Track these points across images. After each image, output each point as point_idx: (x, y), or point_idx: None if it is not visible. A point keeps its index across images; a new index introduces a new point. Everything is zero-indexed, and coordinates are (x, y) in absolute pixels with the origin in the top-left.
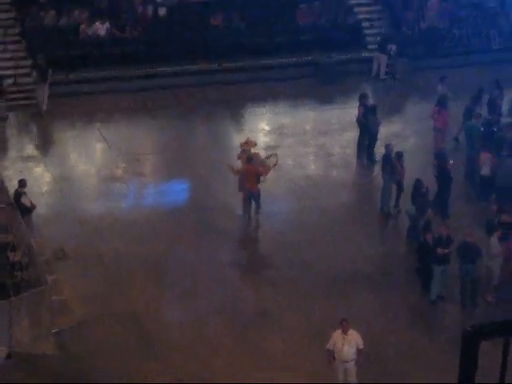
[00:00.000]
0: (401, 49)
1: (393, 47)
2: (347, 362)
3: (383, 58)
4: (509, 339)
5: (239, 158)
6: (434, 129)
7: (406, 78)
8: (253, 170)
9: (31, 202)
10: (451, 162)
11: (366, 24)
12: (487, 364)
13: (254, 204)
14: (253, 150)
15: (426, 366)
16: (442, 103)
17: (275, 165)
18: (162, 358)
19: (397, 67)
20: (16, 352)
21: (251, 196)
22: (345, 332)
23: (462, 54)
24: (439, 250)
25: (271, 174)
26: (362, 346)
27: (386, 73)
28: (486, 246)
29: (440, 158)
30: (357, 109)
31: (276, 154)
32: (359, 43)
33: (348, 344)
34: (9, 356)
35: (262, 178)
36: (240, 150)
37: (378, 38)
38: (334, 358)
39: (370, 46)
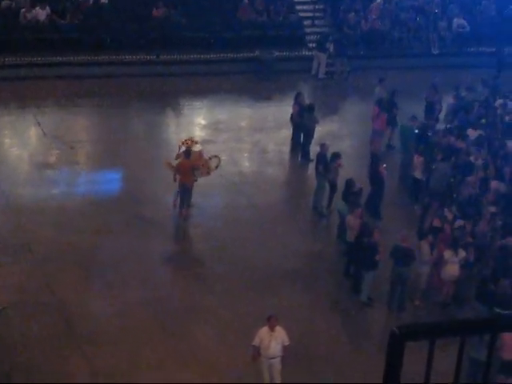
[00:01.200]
0: (341, 49)
1: (331, 46)
2: (273, 358)
3: (322, 57)
4: (434, 341)
5: (178, 157)
6: (373, 130)
7: (345, 78)
8: (188, 164)
9: None
10: (384, 165)
11: (307, 22)
12: (412, 366)
13: (185, 199)
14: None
15: (352, 367)
16: (380, 105)
17: (217, 167)
18: (86, 348)
19: (336, 67)
20: None
21: (183, 190)
22: (272, 328)
23: (401, 56)
24: (377, 257)
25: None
26: (287, 343)
27: (326, 72)
28: (416, 251)
29: (374, 159)
30: (292, 107)
31: (219, 157)
32: (300, 41)
33: (275, 340)
34: None
35: (196, 174)
36: (181, 146)
37: (318, 37)
38: (259, 354)
39: (311, 45)
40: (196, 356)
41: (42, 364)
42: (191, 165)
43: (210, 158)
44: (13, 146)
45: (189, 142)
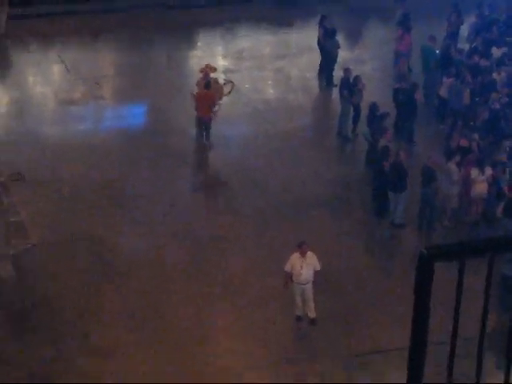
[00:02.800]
0: None
1: None
2: (305, 284)
3: None
4: (464, 260)
5: (198, 84)
6: (396, 53)
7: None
8: (207, 96)
9: None
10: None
11: None
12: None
13: (204, 132)
14: (212, 75)
15: (383, 290)
16: (404, 26)
17: (229, 92)
18: (118, 282)
19: None
20: None
21: (200, 123)
22: (303, 254)
23: None
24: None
25: (224, 100)
26: (319, 268)
27: None
28: (445, 171)
29: (404, 83)
30: (318, 30)
31: (232, 82)
32: None
33: (306, 266)
34: None
35: (215, 108)
36: (200, 75)
37: None
38: (291, 280)
39: None
40: (228, 285)
41: (74, 298)
42: (211, 97)
43: (224, 84)
44: (37, 84)
45: (207, 69)
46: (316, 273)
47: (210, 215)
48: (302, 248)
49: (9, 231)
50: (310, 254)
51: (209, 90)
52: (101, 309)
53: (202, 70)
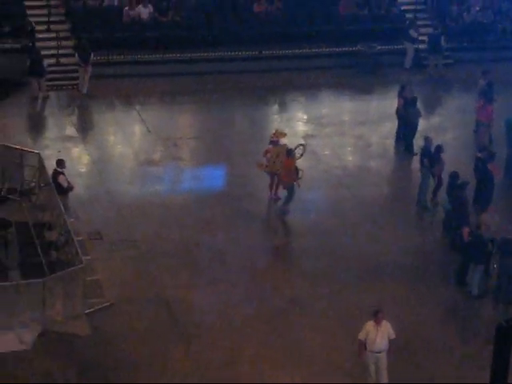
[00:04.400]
0: (437, 44)
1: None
2: (379, 352)
3: (410, 47)
4: None
5: (266, 152)
6: (478, 123)
7: (439, 71)
8: (291, 164)
9: (69, 183)
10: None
11: (409, 15)
12: None
13: (286, 196)
14: (282, 141)
15: (459, 361)
16: (486, 97)
17: (302, 155)
18: (190, 343)
19: (430, 60)
20: (49, 331)
21: (286, 188)
22: (378, 323)
23: (504, 47)
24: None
25: (303, 166)
26: (393, 337)
27: (420, 65)
28: None
29: (483, 155)
30: (397, 100)
31: (304, 145)
32: (402, 34)
33: (381, 335)
34: (42, 334)
35: (299, 174)
36: (270, 142)
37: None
38: (365, 348)
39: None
40: (301, 352)
41: (146, 359)
42: (293, 164)
43: (295, 148)
44: (118, 143)
45: (277, 134)
46: (390, 341)
47: (284, 278)
48: (377, 316)
49: (85, 290)
50: (384, 322)
51: (292, 158)
52: (173, 369)
53: (272, 136)
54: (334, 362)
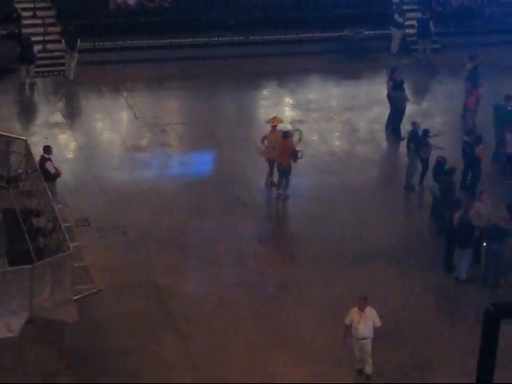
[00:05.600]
0: (426, 29)
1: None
2: (363, 339)
3: (396, 33)
4: None
5: (264, 139)
6: (465, 108)
7: (427, 56)
8: (288, 145)
9: (56, 169)
10: (481, 146)
11: (396, 0)
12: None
13: (282, 179)
14: (279, 127)
15: (447, 345)
16: (472, 81)
17: (300, 140)
18: (181, 329)
19: (419, 45)
20: (37, 317)
21: (282, 170)
22: (362, 310)
23: (492, 32)
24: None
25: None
26: (378, 325)
27: (411, 50)
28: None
29: (470, 139)
30: (386, 84)
31: (300, 130)
32: (389, 19)
33: (364, 321)
34: (30, 321)
35: (299, 155)
36: (269, 127)
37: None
38: (350, 333)
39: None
40: (289, 337)
41: (136, 346)
42: (289, 146)
43: (293, 133)
44: (105, 130)
45: (274, 120)
46: (377, 329)
47: (274, 264)
48: (359, 303)
49: (73, 276)
50: (368, 309)
51: (288, 140)
52: (163, 355)
53: (268, 122)
54: (324, 348)
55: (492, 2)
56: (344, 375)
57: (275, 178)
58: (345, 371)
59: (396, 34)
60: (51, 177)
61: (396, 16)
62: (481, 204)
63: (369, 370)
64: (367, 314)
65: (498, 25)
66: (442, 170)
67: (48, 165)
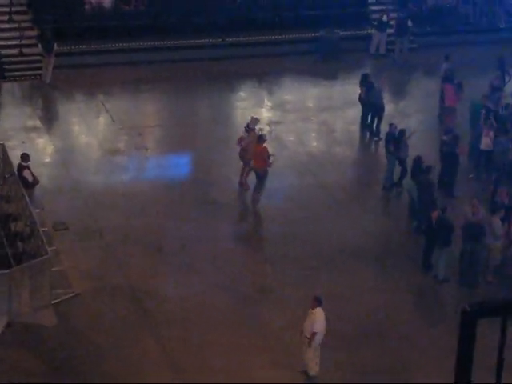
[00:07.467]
0: (403, 28)
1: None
2: (306, 337)
3: (378, 36)
4: (506, 318)
5: (240, 140)
6: (442, 107)
7: (404, 56)
8: (263, 150)
9: (34, 177)
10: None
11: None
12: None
13: (257, 183)
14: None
15: (425, 344)
16: (449, 81)
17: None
18: (159, 332)
19: (396, 45)
20: (16, 322)
21: (257, 175)
22: (312, 308)
23: (467, 32)
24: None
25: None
26: (314, 330)
27: (387, 50)
28: (488, 226)
29: (449, 138)
30: (360, 88)
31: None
32: (365, 19)
33: (309, 320)
34: (8, 325)
35: (271, 159)
36: (245, 129)
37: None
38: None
39: (375, 23)
40: (266, 339)
41: (114, 349)
42: (263, 150)
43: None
44: (82, 133)
45: (253, 121)
46: (312, 333)
47: (250, 266)
48: (312, 301)
49: (52, 280)
50: (318, 310)
51: (262, 144)
52: (141, 358)
53: (248, 124)
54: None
55: (467, 2)
56: (323, 377)
57: (249, 179)
58: (323, 373)
59: (376, 35)
60: (29, 185)
61: (384, 18)
62: (468, 208)
63: (310, 370)
64: (314, 315)
65: (474, 25)
66: (419, 169)
67: (26, 173)
